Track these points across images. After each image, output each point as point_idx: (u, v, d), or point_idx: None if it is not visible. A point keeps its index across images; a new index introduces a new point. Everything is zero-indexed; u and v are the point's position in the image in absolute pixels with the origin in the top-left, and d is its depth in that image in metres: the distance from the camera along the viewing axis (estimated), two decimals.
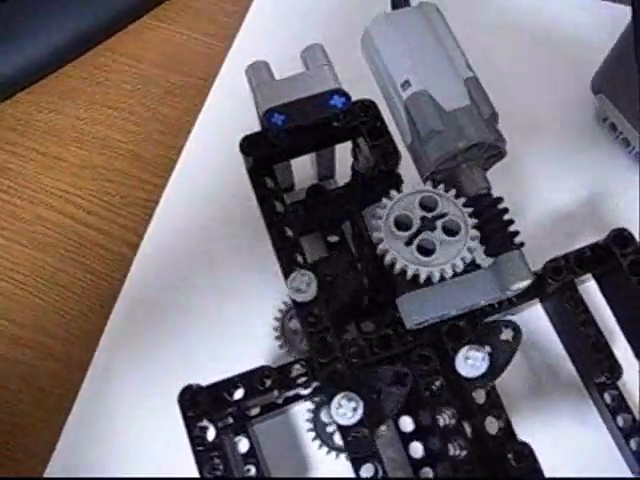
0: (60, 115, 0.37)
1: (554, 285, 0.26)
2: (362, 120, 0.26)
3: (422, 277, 0.23)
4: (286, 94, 0.25)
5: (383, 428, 0.29)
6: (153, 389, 0.31)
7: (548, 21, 0.38)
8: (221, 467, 0.23)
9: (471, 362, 0.23)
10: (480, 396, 0.24)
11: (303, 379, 0.24)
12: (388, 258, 0.23)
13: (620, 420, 0.28)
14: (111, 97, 0.37)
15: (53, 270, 0.34)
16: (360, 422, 0.23)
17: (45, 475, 0.30)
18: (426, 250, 0.23)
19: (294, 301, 0.24)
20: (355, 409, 0.22)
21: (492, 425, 0.23)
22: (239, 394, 0.24)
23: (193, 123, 0.36)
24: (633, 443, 0.28)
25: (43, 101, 0.37)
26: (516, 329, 0.26)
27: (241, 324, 0.32)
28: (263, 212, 0.26)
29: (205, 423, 0.23)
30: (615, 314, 0.27)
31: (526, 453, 0.22)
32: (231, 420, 0.27)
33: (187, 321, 0.32)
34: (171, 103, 0.37)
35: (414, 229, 0.23)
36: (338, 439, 0.28)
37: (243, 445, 0.28)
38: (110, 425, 0.31)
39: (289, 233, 0.26)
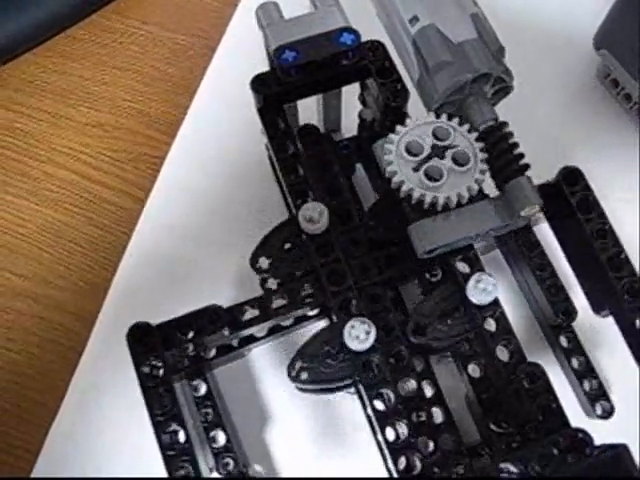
0: (67, 76, 0.37)
1: None
2: (371, 60, 0.26)
3: (426, 202, 0.23)
4: (296, 32, 0.26)
5: None
6: None
7: None
8: (170, 406, 0.22)
9: (482, 287, 0.23)
10: (490, 325, 0.24)
11: (254, 319, 0.24)
12: (396, 180, 0.23)
13: (575, 362, 0.29)
14: (118, 58, 0.37)
15: (60, 225, 0.34)
16: (372, 348, 0.23)
17: (52, 428, 0.30)
18: (434, 179, 0.24)
19: (306, 234, 0.25)
20: (368, 332, 0.22)
21: (503, 353, 0.24)
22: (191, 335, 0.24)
23: (199, 82, 0.36)
24: (586, 384, 0.28)
25: (49, 62, 0.37)
26: None
27: (252, 276, 0.32)
28: (274, 149, 0.26)
29: (155, 362, 0.23)
30: (567, 256, 0.27)
31: (538, 374, 0.22)
32: (187, 362, 0.26)
33: (194, 274, 0.32)
34: (177, 63, 0.37)
35: (424, 154, 0.23)
36: None
37: (201, 389, 0.27)
38: (118, 377, 0.31)
39: (300, 171, 0.26)
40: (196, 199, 0.34)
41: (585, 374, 0.28)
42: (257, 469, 0.29)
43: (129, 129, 0.36)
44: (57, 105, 0.36)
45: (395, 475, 0.23)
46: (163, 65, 0.37)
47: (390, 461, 0.23)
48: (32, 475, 0.29)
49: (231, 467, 0.26)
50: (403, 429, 0.23)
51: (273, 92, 0.26)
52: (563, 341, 0.29)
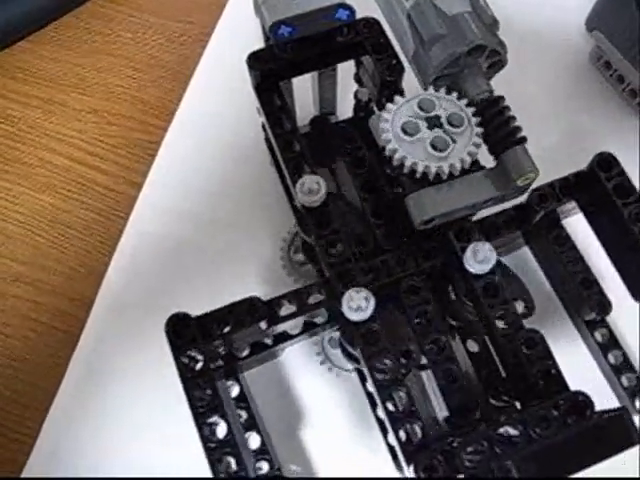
0: (60, 63, 0.37)
1: (539, 213, 0.25)
2: (366, 36, 0.27)
3: (431, 172, 0.23)
4: (292, 8, 0.26)
5: None
6: (160, 323, 0.31)
7: None
8: (210, 396, 0.22)
9: (480, 256, 0.23)
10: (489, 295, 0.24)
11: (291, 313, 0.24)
12: (397, 156, 0.23)
13: (611, 357, 0.28)
14: (112, 46, 0.37)
15: (55, 210, 0.34)
16: (372, 318, 0.23)
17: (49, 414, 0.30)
18: (440, 149, 0.23)
19: (303, 207, 0.25)
20: (367, 299, 0.22)
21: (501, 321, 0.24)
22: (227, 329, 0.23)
23: (193, 68, 0.36)
24: (624, 379, 0.28)
25: (43, 50, 0.37)
26: None
27: (248, 256, 0.32)
28: (270, 125, 0.26)
29: (193, 353, 0.22)
30: (603, 244, 0.26)
31: (537, 339, 0.22)
32: (221, 362, 0.26)
33: (191, 257, 0.32)
34: (171, 50, 0.37)
35: (423, 130, 0.23)
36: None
37: (233, 391, 0.27)
38: (115, 361, 0.31)
39: (296, 146, 0.26)
40: (193, 183, 0.34)
41: (622, 369, 0.28)
42: (293, 468, 0.29)
43: (124, 115, 0.36)
44: (51, 92, 0.36)
45: (397, 446, 0.23)
46: (157, 52, 0.37)
47: (391, 432, 0.23)
48: (30, 458, 0.29)
49: (265, 470, 0.26)
50: (403, 400, 0.23)
51: (269, 68, 0.26)
52: (598, 336, 0.28)
